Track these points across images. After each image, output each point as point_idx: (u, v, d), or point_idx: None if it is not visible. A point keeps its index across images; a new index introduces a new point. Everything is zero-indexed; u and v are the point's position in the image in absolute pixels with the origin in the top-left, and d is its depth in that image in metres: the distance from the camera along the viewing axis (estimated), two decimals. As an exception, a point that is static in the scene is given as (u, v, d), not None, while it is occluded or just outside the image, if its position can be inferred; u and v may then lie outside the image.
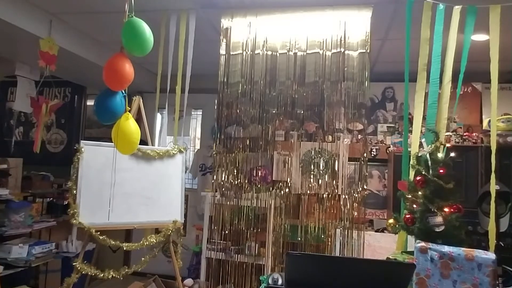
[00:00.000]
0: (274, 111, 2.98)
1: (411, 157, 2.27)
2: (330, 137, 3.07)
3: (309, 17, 2.78)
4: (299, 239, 3.06)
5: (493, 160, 2.27)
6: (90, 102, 5.12)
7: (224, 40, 2.96)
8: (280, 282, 1.82)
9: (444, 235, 1.96)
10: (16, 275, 3.25)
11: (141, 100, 3.15)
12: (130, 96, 2.28)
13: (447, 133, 3.41)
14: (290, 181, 3.19)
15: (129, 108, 2.25)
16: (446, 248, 1.76)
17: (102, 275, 2.67)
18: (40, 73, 3.56)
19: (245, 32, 2.91)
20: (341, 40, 2.75)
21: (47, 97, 4.81)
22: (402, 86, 2.56)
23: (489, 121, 2.90)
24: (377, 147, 4.00)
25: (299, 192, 3.13)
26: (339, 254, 2.92)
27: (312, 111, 2.97)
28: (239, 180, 3.09)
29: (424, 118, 2.50)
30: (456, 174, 2.15)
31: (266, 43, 2.89)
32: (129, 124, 2.14)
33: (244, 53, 2.93)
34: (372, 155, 3.96)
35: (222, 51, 2.97)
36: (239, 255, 3.26)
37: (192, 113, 4.88)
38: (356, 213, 2.83)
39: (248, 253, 3.27)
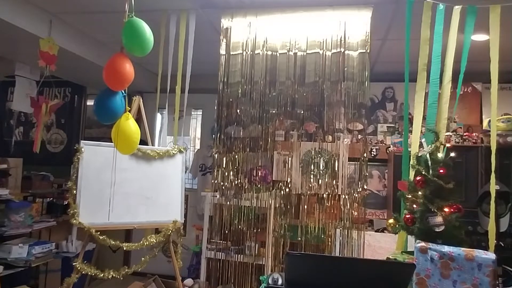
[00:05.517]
0: (274, 111, 2.97)
1: (411, 157, 2.27)
2: (330, 137, 3.07)
3: (309, 17, 2.78)
4: (299, 239, 3.06)
5: (493, 160, 2.27)
6: (90, 102, 5.12)
7: (224, 40, 2.96)
8: (280, 282, 1.82)
9: (444, 235, 1.96)
10: (16, 275, 3.25)
11: (141, 100, 3.14)
12: (130, 96, 2.28)
13: (447, 133, 3.41)
14: (290, 181, 3.19)
15: (129, 108, 2.25)
16: (446, 248, 1.76)
17: (102, 275, 2.67)
18: (40, 73, 3.56)
19: (245, 32, 2.91)
20: (341, 40, 2.75)
21: (47, 97, 4.81)
22: (402, 86, 2.56)
23: (489, 121, 2.90)
24: (377, 147, 4.00)
25: (299, 192, 3.13)
26: (339, 254, 2.92)
27: (312, 111, 2.97)
28: (239, 180, 3.09)
29: (424, 118, 2.50)
30: (456, 174, 2.15)
31: (266, 43, 2.89)
32: (129, 124, 2.13)
33: (244, 53, 2.92)
34: (372, 155, 3.96)
35: (222, 51, 2.97)
36: (239, 255, 3.26)
37: (192, 113, 4.88)
38: (356, 213, 2.83)
39: (248, 253, 3.27)
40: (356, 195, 2.83)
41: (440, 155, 2.11)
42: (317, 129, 3.44)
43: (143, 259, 2.90)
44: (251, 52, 2.91)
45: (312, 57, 2.81)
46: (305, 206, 3.08)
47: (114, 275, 2.70)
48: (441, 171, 2.03)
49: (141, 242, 2.83)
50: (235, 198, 3.10)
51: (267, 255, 3.22)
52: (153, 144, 3.38)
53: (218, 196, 3.13)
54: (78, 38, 3.44)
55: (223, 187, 3.08)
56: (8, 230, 3.34)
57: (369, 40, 2.70)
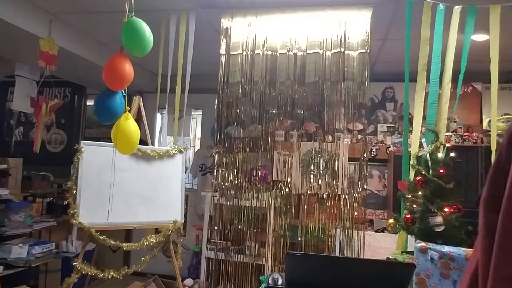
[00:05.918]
0: (274, 111, 2.97)
1: (411, 157, 2.27)
2: (330, 137, 3.07)
3: (309, 17, 2.78)
4: (299, 239, 3.06)
5: (493, 160, 2.26)
6: (90, 102, 5.12)
7: (224, 40, 2.96)
8: (280, 282, 1.82)
9: (444, 235, 1.96)
10: (16, 275, 3.25)
11: (141, 100, 3.14)
12: (130, 96, 2.28)
13: (447, 133, 3.41)
14: (290, 181, 3.19)
15: (129, 108, 2.25)
16: (446, 248, 1.76)
17: (102, 275, 2.67)
18: (40, 73, 3.56)
19: (245, 32, 2.91)
20: (341, 40, 2.75)
21: (47, 97, 4.81)
22: (402, 86, 2.56)
23: (489, 121, 2.90)
24: (377, 147, 4.00)
25: (299, 192, 3.13)
26: (339, 254, 2.92)
27: (312, 111, 2.97)
28: (239, 180, 3.09)
29: (424, 118, 2.50)
30: (456, 174, 2.15)
31: (266, 43, 2.89)
32: (128, 124, 2.14)
33: (244, 53, 2.92)
34: (372, 155, 3.96)
35: (222, 51, 2.97)
36: (239, 255, 3.26)
37: (192, 113, 4.88)
38: (356, 213, 2.83)
39: (248, 253, 3.27)
40: (356, 195, 2.83)
41: (440, 155, 2.11)
42: (317, 129, 3.44)
43: (143, 259, 2.90)
44: (251, 52, 2.91)
45: (312, 57, 2.81)
46: (305, 206, 3.08)
47: (114, 275, 2.70)
48: (441, 171, 2.03)
49: (141, 242, 2.83)
50: (235, 198, 3.10)
51: (267, 255, 3.22)
52: (153, 144, 3.39)
53: (218, 196, 3.13)
54: (78, 38, 3.44)
55: (223, 187, 3.08)
56: (8, 230, 3.34)
57: (369, 40, 2.70)
